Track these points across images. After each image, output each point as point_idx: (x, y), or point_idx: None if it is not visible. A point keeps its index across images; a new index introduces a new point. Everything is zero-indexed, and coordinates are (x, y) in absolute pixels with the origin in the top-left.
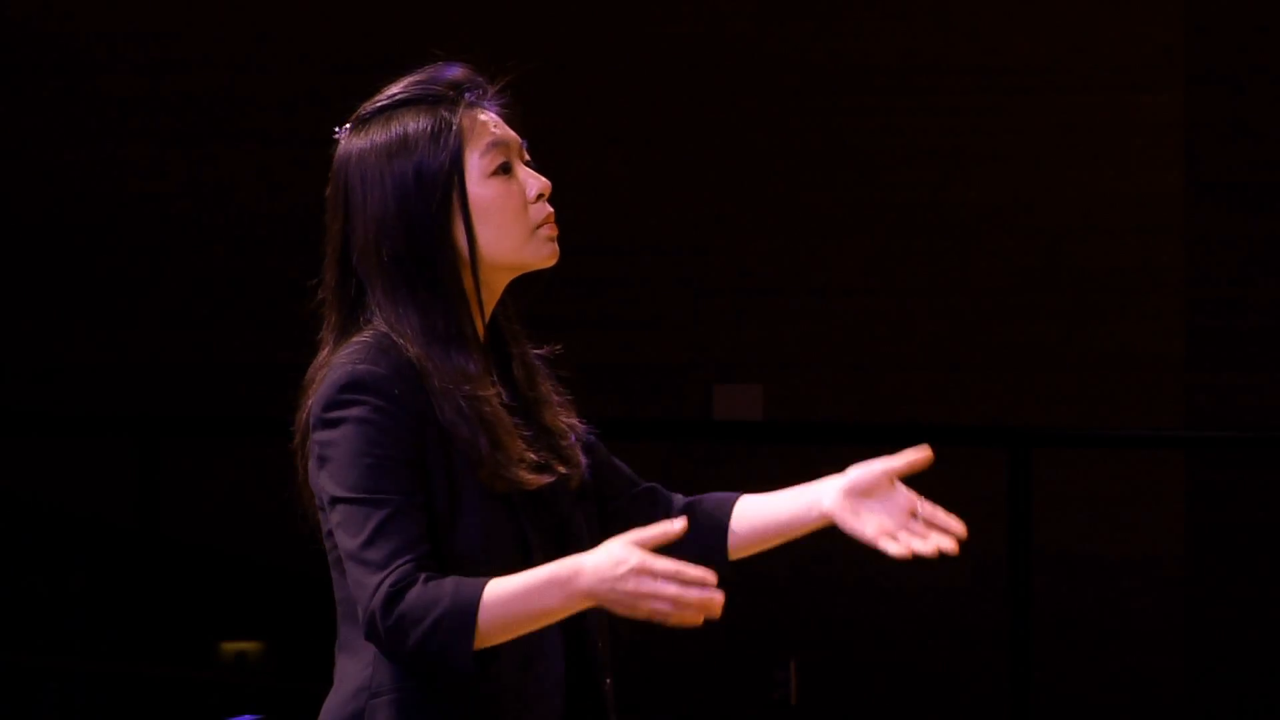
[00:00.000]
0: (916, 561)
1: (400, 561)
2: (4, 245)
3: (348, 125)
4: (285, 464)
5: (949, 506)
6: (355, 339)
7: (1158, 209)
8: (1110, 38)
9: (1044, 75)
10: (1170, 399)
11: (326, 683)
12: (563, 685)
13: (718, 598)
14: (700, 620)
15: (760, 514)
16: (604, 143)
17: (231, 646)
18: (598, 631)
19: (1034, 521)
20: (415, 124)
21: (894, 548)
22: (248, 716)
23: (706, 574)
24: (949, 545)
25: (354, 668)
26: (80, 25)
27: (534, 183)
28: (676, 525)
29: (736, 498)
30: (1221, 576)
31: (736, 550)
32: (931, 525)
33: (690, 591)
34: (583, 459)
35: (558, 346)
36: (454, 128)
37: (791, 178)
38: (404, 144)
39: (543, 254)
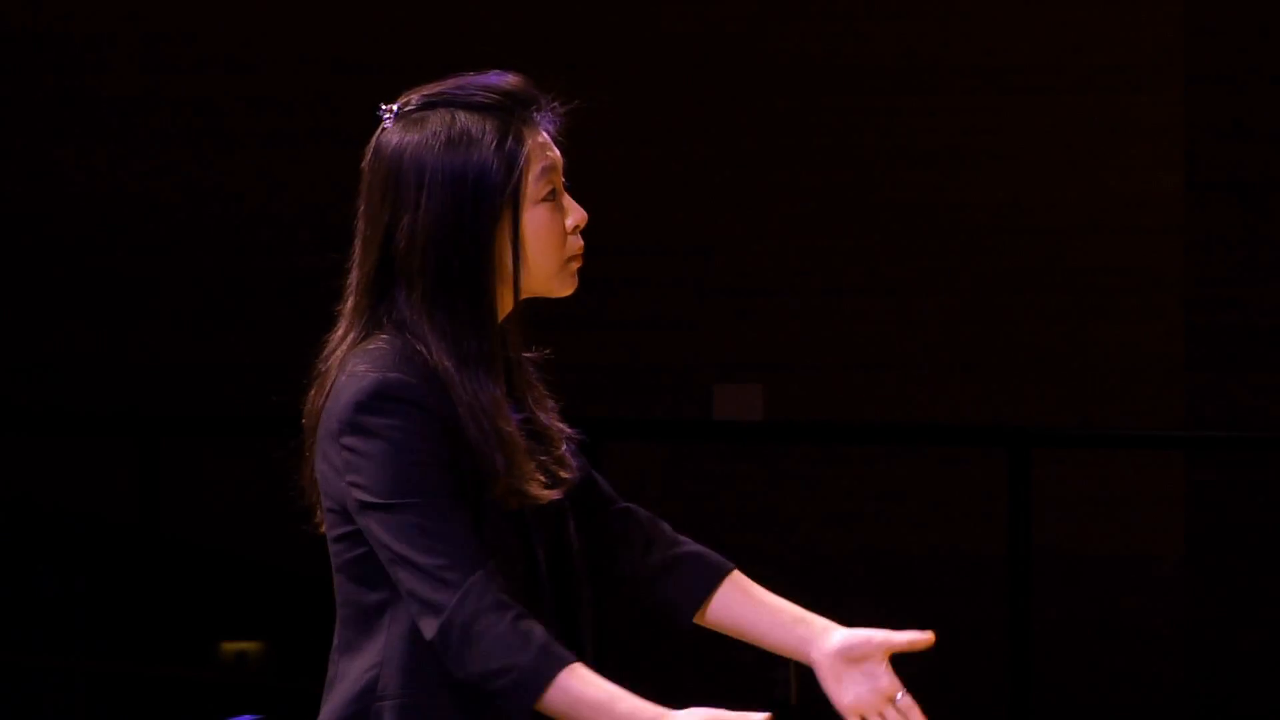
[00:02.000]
0: (916, 560)
1: (472, 574)
2: (3, 244)
3: (393, 108)
4: (285, 464)
5: (949, 506)
6: (375, 342)
7: (1158, 209)
8: (1110, 38)
9: (1044, 75)
10: (1170, 399)
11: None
12: None
13: None
14: None
15: (745, 613)
16: (603, 143)
17: (231, 646)
18: (589, 639)
19: (1034, 521)
20: (482, 133)
21: None
22: (248, 716)
23: None
24: None
25: (357, 669)
26: (80, 25)
27: (575, 213)
28: (757, 717)
29: (729, 571)
30: (1221, 576)
31: (704, 621)
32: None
33: None
34: (574, 463)
35: (548, 350)
36: (523, 146)
37: (791, 178)
38: (470, 152)
39: (567, 286)
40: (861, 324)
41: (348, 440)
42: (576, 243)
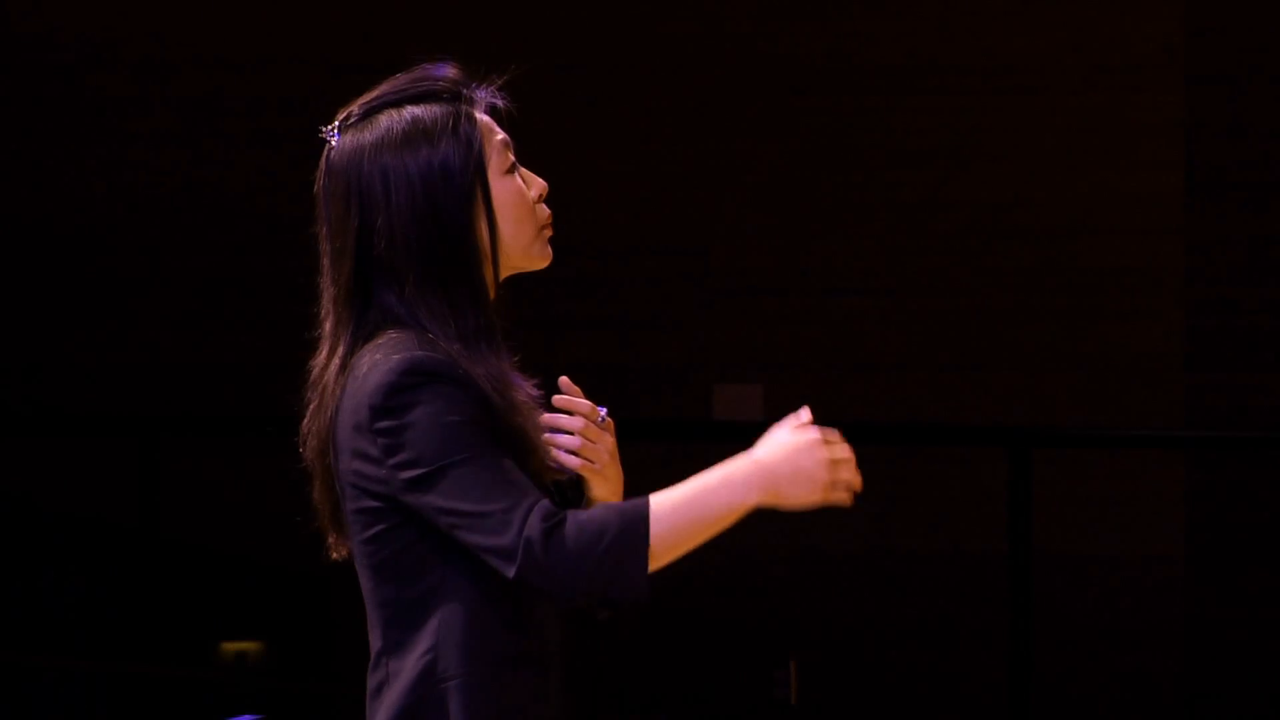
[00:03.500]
0: (916, 560)
1: (534, 498)
2: (3, 245)
3: (334, 125)
4: (284, 464)
5: (949, 506)
6: (384, 337)
7: (1158, 209)
8: (1110, 38)
9: (1044, 75)
10: (1170, 399)
11: (326, 683)
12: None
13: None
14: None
15: None
16: (604, 143)
17: (231, 646)
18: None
19: (1034, 521)
20: (434, 120)
21: (571, 460)
22: (248, 716)
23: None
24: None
25: (409, 663)
26: (80, 25)
27: (536, 184)
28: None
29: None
30: (1221, 576)
31: None
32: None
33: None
34: None
35: (516, 358)
36: (475, 123)
37: (791, 178)
38: (426, 138)
39: (545, 254)
40: (861, 324)
41: (383, 424)
42: (544, 211)
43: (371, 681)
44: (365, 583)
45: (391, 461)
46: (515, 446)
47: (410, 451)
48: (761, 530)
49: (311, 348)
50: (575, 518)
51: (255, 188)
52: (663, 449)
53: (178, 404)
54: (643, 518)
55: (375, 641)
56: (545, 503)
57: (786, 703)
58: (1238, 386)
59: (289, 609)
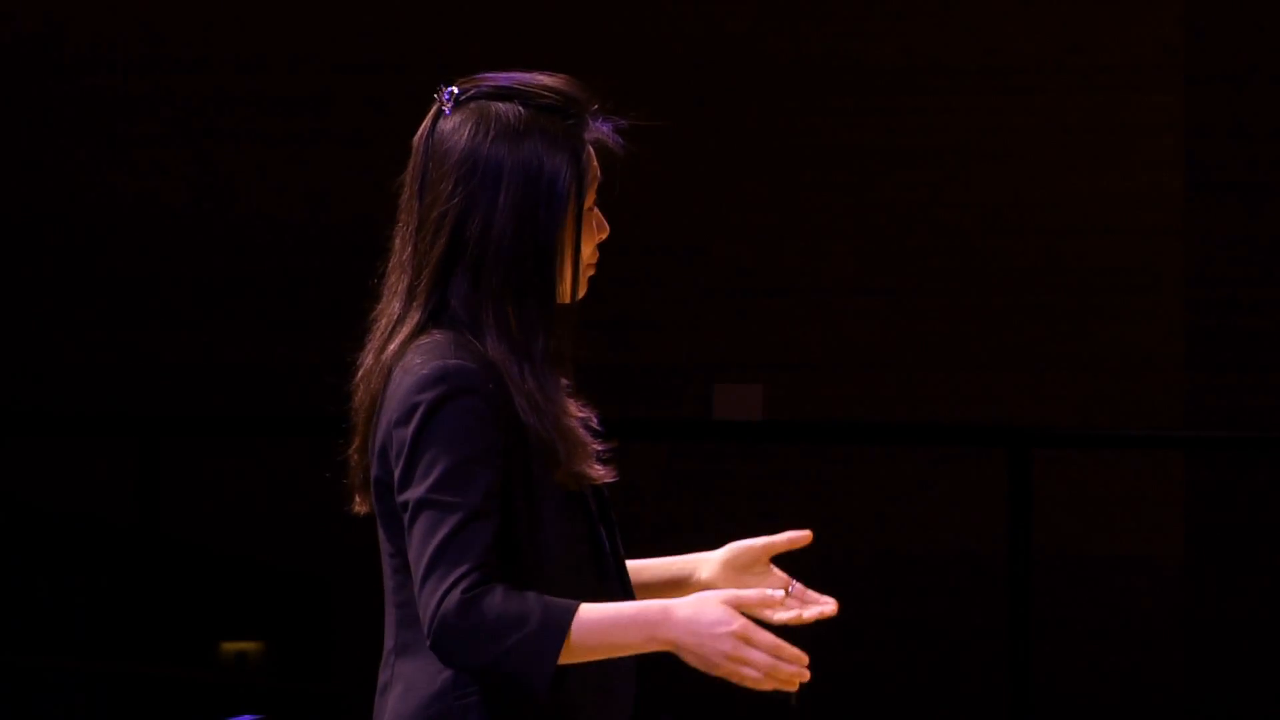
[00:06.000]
0: (916, 560)
1: (472, 567)
2: (4, 245)
3: (453, 91)
4: (284, 464)
5: (949, 506)
6: (427, 337)
7: (1158, 209)
8: (1110, 38)
9: (1044, 75)
10: (1170, 399)
11: (326, 683)
12: (633, 693)
13: (806, 675)
14: (783, 686)
15: (635, 577)
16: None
17: (231, 646)
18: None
19: (1034, 521)
20: (557, 136)
21: (782, 614)
22: (248, 716)
23: (801, 654)
24: (829, 609)
25: (426, 672)
26: (80, 25)
27: (606, 228)
28: (778, 594)
29: None
30: (1221, 576)
31: None
32: (805, 602)
33: (784, 667)
34: None
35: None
36: (590, 154)
37: (791, 178)
38: (549, 147)
39: (580, 292)
40: (861, 324)
41: (401, 431)
42: (595, 254)
43: (380, 678)
44: (387, 580)
45: (398, 467)
46: (544, 456)
47: (412, 467)
48: (761, 531)
49: (372, 300)
50: (498, 601)
51: (255, 188)
52: (663, 449)
53: (178, 404)
54: (564, 628)
55: (388, 639)
56: (475, 575)
57: (787, 703)
58: (1238, 386)
59: (289, 609)
